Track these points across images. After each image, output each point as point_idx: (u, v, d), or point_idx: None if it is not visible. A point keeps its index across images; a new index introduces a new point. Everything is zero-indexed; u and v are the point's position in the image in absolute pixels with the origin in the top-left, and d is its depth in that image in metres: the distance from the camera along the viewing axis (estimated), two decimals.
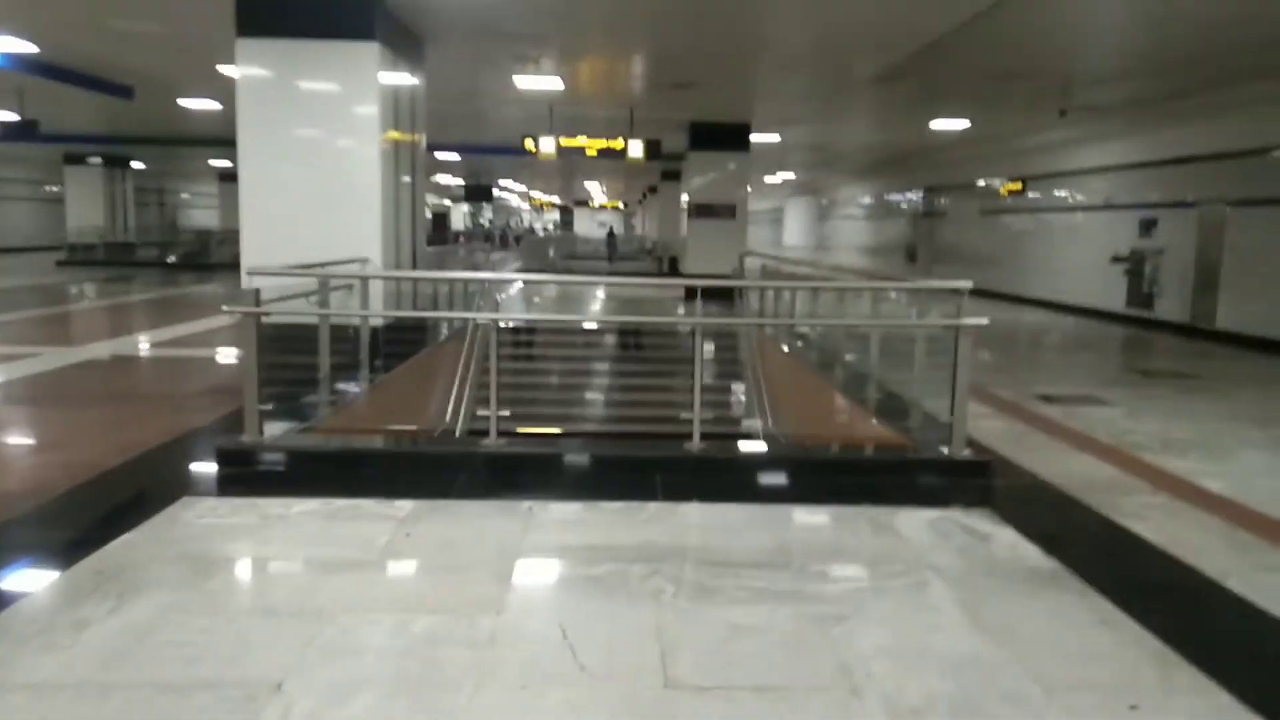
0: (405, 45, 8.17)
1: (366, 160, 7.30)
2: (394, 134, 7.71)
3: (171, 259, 26.92)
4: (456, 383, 8.59)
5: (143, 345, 10.07)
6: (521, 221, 62.91)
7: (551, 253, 31.58)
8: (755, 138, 16.76)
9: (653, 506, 4.48)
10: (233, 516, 4.22)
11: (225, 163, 30.10)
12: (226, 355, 9.21)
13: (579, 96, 13.00)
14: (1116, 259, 14.77)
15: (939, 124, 16.11)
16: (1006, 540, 4.08)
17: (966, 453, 5.09)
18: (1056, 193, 17.20)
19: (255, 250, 7.19)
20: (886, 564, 3.76)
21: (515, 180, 40.83)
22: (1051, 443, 6.17)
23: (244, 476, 4.87)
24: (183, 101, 15.57)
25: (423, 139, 8.91)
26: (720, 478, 5.03)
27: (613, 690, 2.70)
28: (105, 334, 11.28)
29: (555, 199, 55.90)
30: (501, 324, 5.53)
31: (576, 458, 5.17)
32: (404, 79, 8.09)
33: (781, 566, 3.70)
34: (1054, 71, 11.15)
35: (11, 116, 14.04)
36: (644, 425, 8.19)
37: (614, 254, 33.17)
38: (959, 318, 5.07)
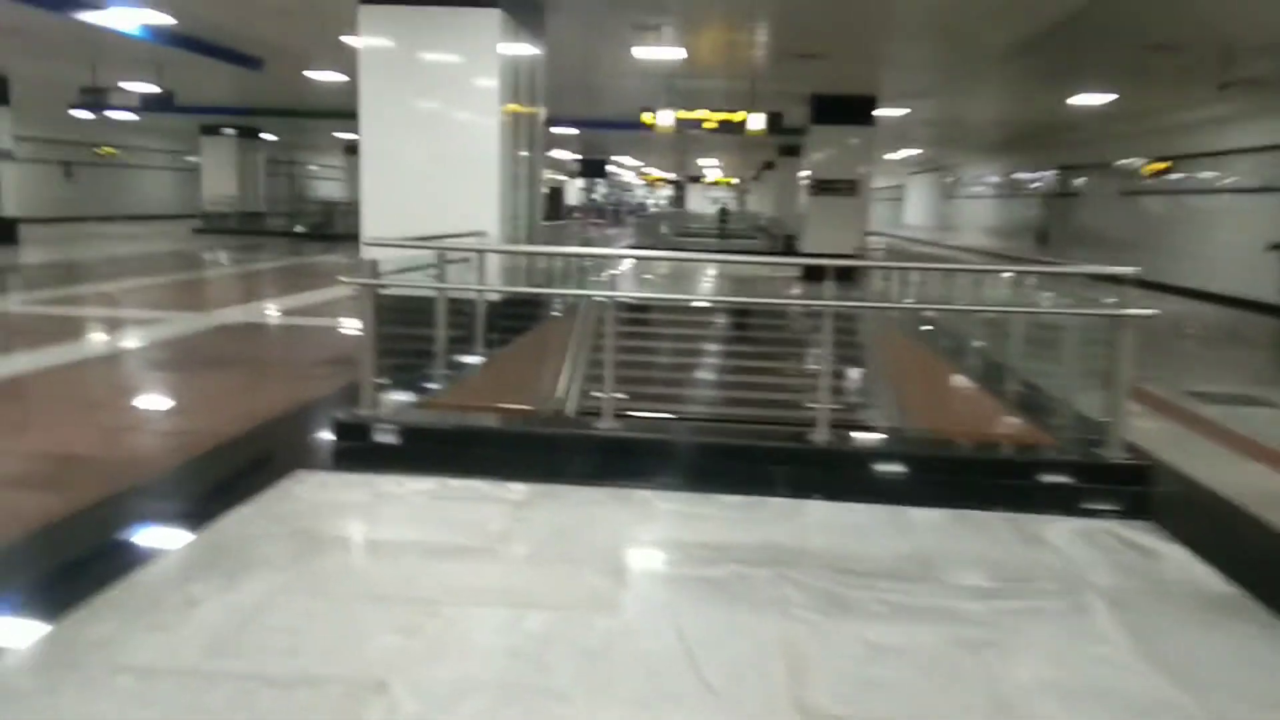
0: (526, 13, 8.00)
1: (486, 132, 7.18)
2: (513, 106, 7.57)
3: (299, 229, 27.78)
4: (568, 361, 8.46)
5: (268, 313, 10.29)
6: (633, 197, 62.81)
7: (664, 229, 31.33)
8: (880, 111, 16.09)
9: (774, 503, 4.20)
10: (346, 492, 4.15)
11: (350, 135, 30.94)
12: (347, 325, 9.31)
13: (698, 68, 12.66)
14: (1274, 246, 13.61)
15: (1079, 99, 15.14)
16: (1176, 559, 3.65)
17: (1123, 456, 4.62)
18: (1206, 173, 15.97)
19: (374, 221, 7.17)
20: (1039, 580, 3.39)
21: (629, 155, 40.71)
22: (1216, 448, 5.61)
23: (359, 451, 4.81)
24: (309, 73, 15.89)
25: (542, 112, 8.75)
26: (847, 473, 4.72)
27: (741, 716, 2.45)
28: (233, 301, 11.61)
29: (668, 175, 55.60)
30: (615, 302, 5.32)
31: (692, 445, 4.93)
32: (524, 49, 7.93)
33: (920, 578, 3.37)
34: (1213, 41, 10.24)
35: (151, 88, 14.53)
36: (757, 409, 7.89)
37: (726, 231, 32.69)
38: (1121, 307, 4.60)
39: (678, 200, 58.48)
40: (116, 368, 7.06)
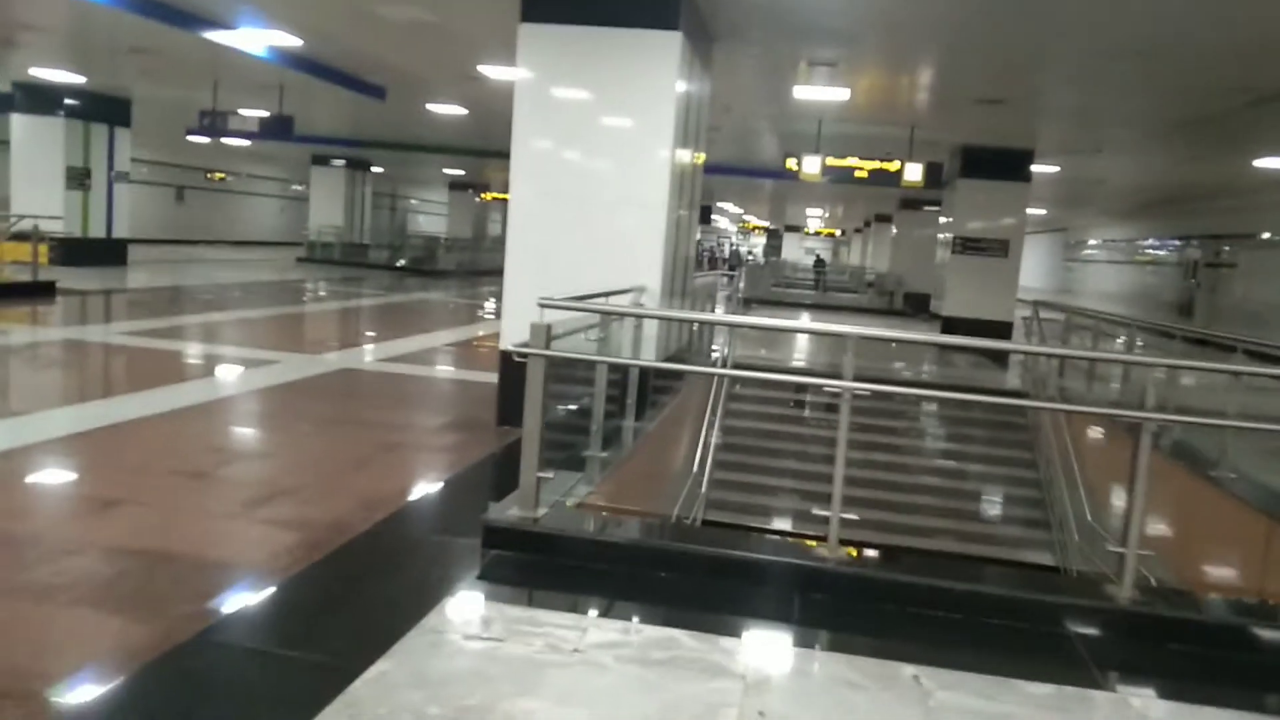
0: (701, 42, 7.04)
1: (654, 174, 6.19)
2: (682, 146, 6.58)
3: (400, 263, 27.46)
4: (700, 445, 7.36)
5: (379, 358, 9.45)
6: (731, 244, 61.76)
7: (768, 279, 30.20)
8: (1036, 167, 14.77)
9: (1099, 697, 3.00)
10: (511, 643, 3.08)
11: (457, 171, 30.72)
12: (466, 378, 8.39)
13: (855, 112, 11.59)
14: None
15: (1267, 161, 13.62)
16: None
17: None
18: None
19: (519, 270, 6.21)
20: None
21: (731, 202, 39.79)
22: None
23: (518, 566, 3.77)
24: (431, 106, 15.34)
25: (703, 155, 7.77)
26: (1171, 651, 3.47)
27: None
28: (342, 342, 10.84)
29: (764, 223, 54.47)
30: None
31: (950, 593, 3.72)
32: (697, 83, 6.95)
33: None
34: None
35: (269, 114, 14.09)
36: (982, 532, 6.63)
37: (822, 283, 31.43)
38: None
39: (773, 249, 57.21)
40: (216, 422, 6.20)
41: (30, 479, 4.57)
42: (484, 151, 23.21)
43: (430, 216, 43.34)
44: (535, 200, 6.23)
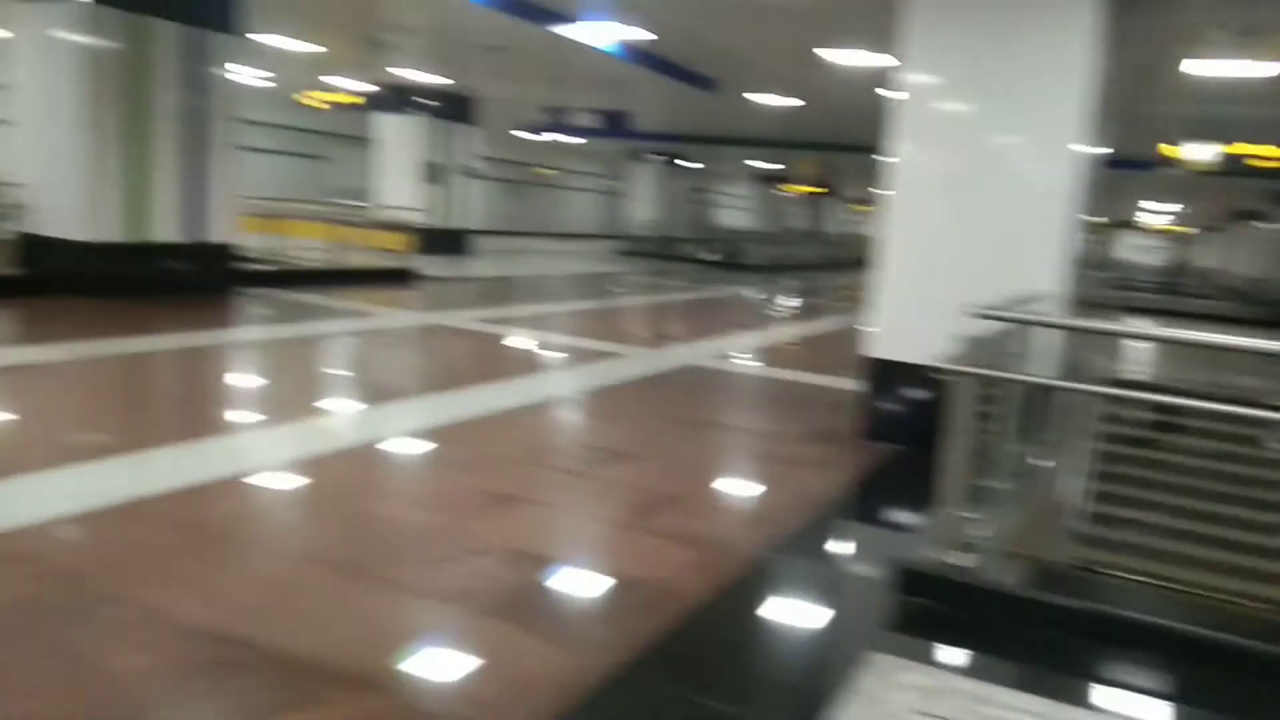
0: (1109, 7, 6.07)
1: (1057, 159, 5.38)
2: (1086, 133, 5.69)
3: (708, 257, 27.67)
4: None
5: (717, 355, 9.24)
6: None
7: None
8: None
9: None
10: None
11: (761, 164, 30.53)
12: (808, 380, 7.95)
13: (1259, 94, 9.86)
14: None
15: None
16: None
17: None
18: None
19: (896, 272, 5.63)
20: None
21: None
22: None
23: (943, 622, 3.23)
24: (754, 97, 15.09)
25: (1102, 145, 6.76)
26: None
27: None
28: (680, 336, 10.78)
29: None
30: None
31: None
32: (1102, 58, 5.99)
33: None
34: None
35: (604, 110, 14.43)
36: None
37: (1175, 287, 27.88)
38: None
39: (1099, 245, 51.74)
40: (582, 416, 6.18)
41: (418, 466, 4.67)
42: (803, 144, 22.75)
43: (731, 210, 43.62)
44: (915, 194, 5.61)
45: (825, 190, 36.92)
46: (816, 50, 10.44)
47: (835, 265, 29.98)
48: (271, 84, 17.61)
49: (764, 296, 16.94)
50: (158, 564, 3.14)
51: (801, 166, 30.92)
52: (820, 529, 4.26)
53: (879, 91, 7.72)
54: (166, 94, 9.19)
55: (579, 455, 5.02)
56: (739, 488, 4.72)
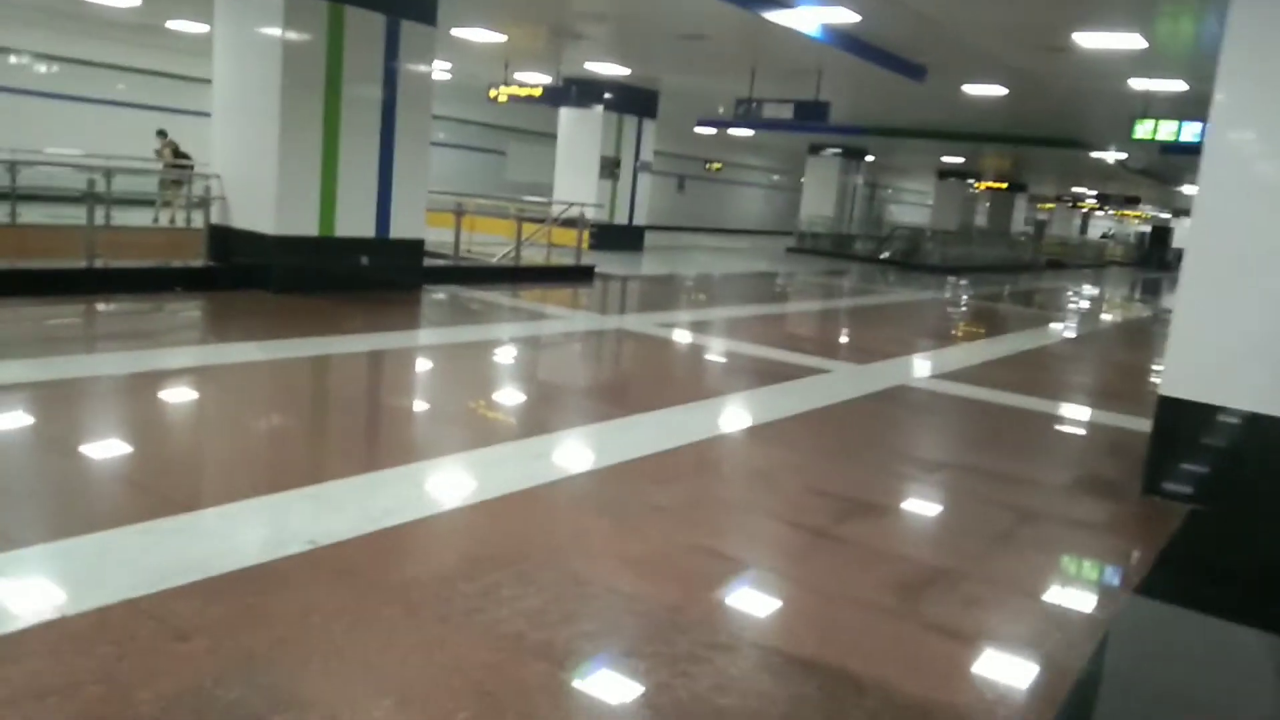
0: None
1: None
2: None
3: (884, 255, 26.27)
4: None
5: (928, 375, 8.26)
6: None
7: None
8: None
9: None
10: None
11: (945, 158, 28.73)
12: (1054, 411, 6.88)
13: None
14: None
15: None
16: None
17: None
18: None
19: (1204, 292, 4.56)
20: None
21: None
22: None
23: None
24: (969, 87, 13.83)
25: None
26: None
27: None
28: (881, 350, 9.83)
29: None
30: None
31: None
32: None
33: None
34: None
35: (801, 100, 13.53)
36: None
37: None
38: None
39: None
40: (801, 450, 5.40)
41: (624, 510, 4.01)
42: (994, 136, 21.12)
43: (906, 206, 41.65)
44: (1242, 204, 4.51)
45: (1012, 186, 34.61)
46: (1063, 31, 9.24)
47: (1021, 267, 27.93)
48: (448, 76, 17.61)
49: (955, 302, 15.63)
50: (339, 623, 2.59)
51: (989, 160, 28.95)
52: (1139, 627, 3.33)
53: (1126, 79, 6.55)
54: (360, 87, 8.99)
55: (810, 505, 4.24)
56: (1014, 560, 3.83)
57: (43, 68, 16.71)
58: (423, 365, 6.88)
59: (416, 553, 3.29)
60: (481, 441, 4.70)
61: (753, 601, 3.15)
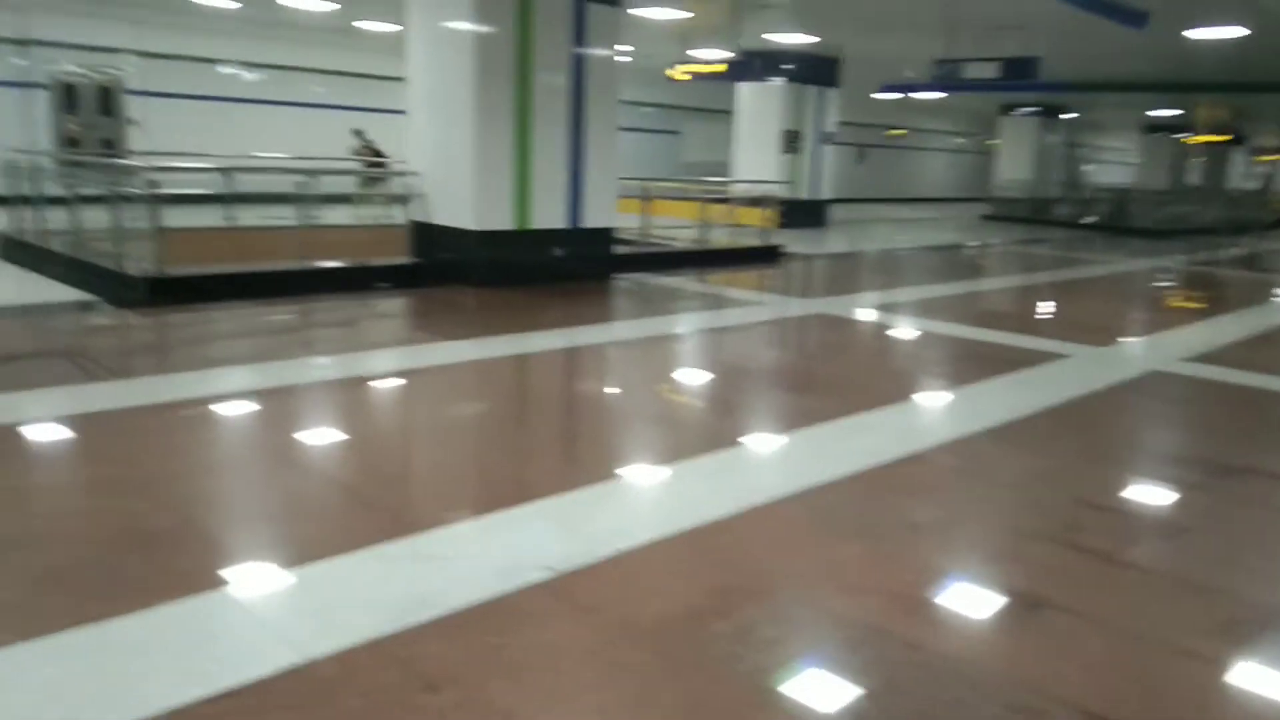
0: None
1: None
2: None
3: (1087, 220, 24.30)
4: None
5: (1180, 357, 7.35)
6: None
7: None
8: None
9: None
10: None
11: (1163, 112, 26.28)
12: None
13: None
14: None
15: None
16: None
17: None
18: None
19: None
20: None
21: None
22: None
23: None
24: (1196, 32, 12.40)
25: None
26: None
27: None
28: (1118, 328, 8.89)
29: None
30: None
31: None
32: None
33: None
34: None
35: (1007, 57, 12.52)
36: None
37: None
38: None
39: None
40: (1048, 455, 4.80)
41: (878, 532, 3.58)
42: (1210, 85, 19.06)
43: (1104, 165, 38.54)
44: None
45: (1232, 138, 31.31)
46: None
47: (1242, 228, 25.24)
48: (627, 59, 17.41)
49: (1177, 269, 14.11)
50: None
51: (1204, 111, 26.28)
52: None
53: None
54: (549, 74, 8.86)
55: (1088, 522, 3.68)
56: None
57: (248, 75, 17.70)
58: (624, 361, 6.66)
59: (656, 583, 3.00)
60: (701, 448, 4.39)
61: (1055, 649, 2.67)
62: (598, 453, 4.52)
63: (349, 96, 18.37)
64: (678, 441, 4.63)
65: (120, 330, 6.80)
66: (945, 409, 5.37)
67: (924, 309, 9.01)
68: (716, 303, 9.35)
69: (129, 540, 3.10)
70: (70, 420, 4.46)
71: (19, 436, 4.21)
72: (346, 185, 13.81)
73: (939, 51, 13.29)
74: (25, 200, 9.34)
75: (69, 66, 15.41)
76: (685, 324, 8.11)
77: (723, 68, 15.83)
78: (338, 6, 14.06)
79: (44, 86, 15.23)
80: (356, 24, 15.94)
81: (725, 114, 18.93)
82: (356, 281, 8.51)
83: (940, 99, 23.11)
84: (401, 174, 9.39)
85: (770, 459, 4.37)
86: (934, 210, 27.25)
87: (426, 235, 9.04)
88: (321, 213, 8.74)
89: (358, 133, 15.58)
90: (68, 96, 15.46)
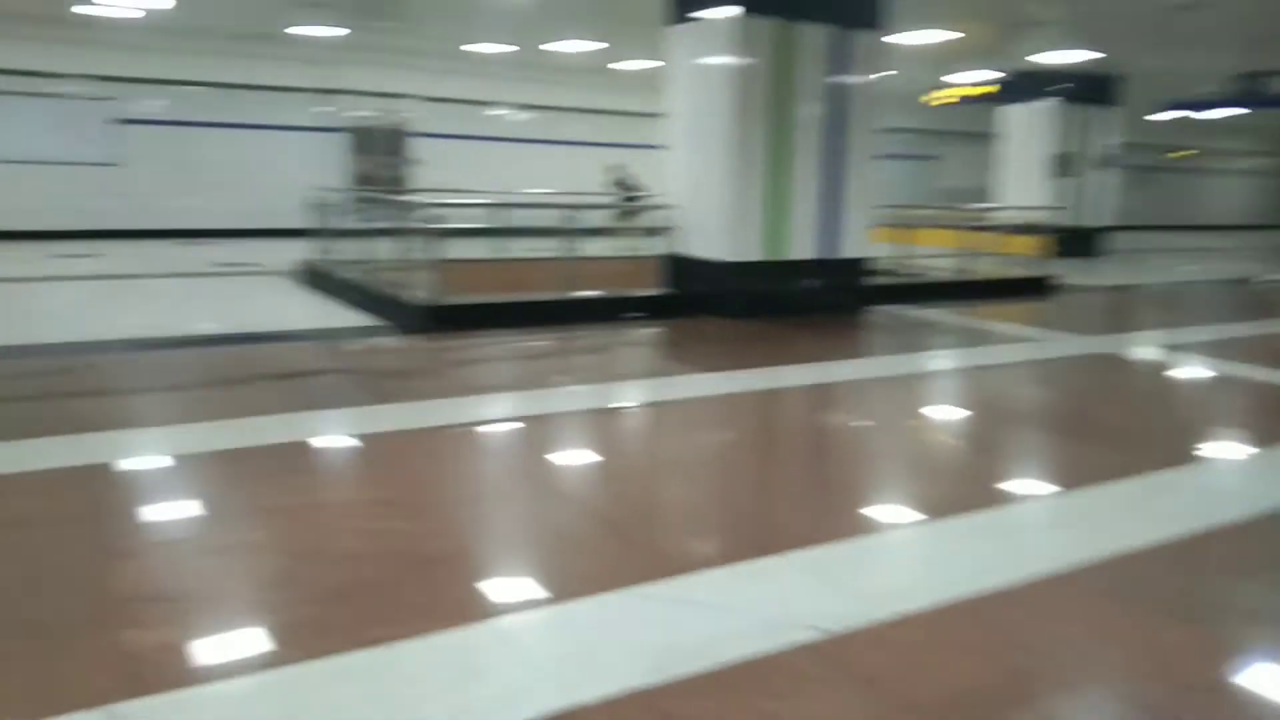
0: None
1: None
2: None
3: None
4: None
5: None
6: None
7: None
8: None
9: None
10: None
11: None
12: None
13: None
14: None
15: None
16: None
17: None
18: None
19: None
20: None
21: None
22: None
23: None
24: None
25: None
26: None
27: None
28: None
29: None
30: None
31: None
32: None
33: None
34: None
35: None
36: None
37: None
38: None
39: None
40: None
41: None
42: None
43: None
44: None
45: None
46: None
47: None
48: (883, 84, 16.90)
49: None
50: None
51: None
52: None
53: None
54: (807, 104, 8.71)
55: None
56: None
57: (516, 116, 18.85)
58: (881, 399, 6.31)
59: (940, 656, 2.70)
60: (975, 502, 4.01)
61: None
62: (858, 500, 4.25)
63: (606, 133, 19.11)
64: (946, 492, 4.27)
65: (402, 355, 7.29)
66: (1260, 469, 4.65)
67: (1218, 350, 7.98)
68: (979, 338, 8.76)
69: (407, 563, 3.21)
70: (355, 440, 4.77)
71: (312, 453, 4.55)
72: (604, 219, 14.28)
73: (1235, 65, 11.88)
74: (325, 233, 10.32)
75: (364, 112, 17.06)
76: (946, 360, 7.63)
77: (991, 89, 15.01)
78: (605, 45, 14.64)
79: (343, 130, 16.95)
80: (613, 65, 16.56)
81: (984, 137, 17.96)
82: (611, 311, 8.69)
83: (1233, 118, 20.75)
84: (659, 207, 9.53)
85: (1056, 519, 3.93)
86: (1226, 238, 24.45)
87: (679, 267, 9.12)
88: (580, 245, 9.03)
89: (614, 167, 16.13)
90: (362, 139, 17.12)
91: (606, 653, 2.62)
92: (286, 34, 14.24)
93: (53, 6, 12.52)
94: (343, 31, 14.13)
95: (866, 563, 3.35)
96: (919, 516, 3.84)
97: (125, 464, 4.27)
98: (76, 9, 12.56)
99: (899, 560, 3.43)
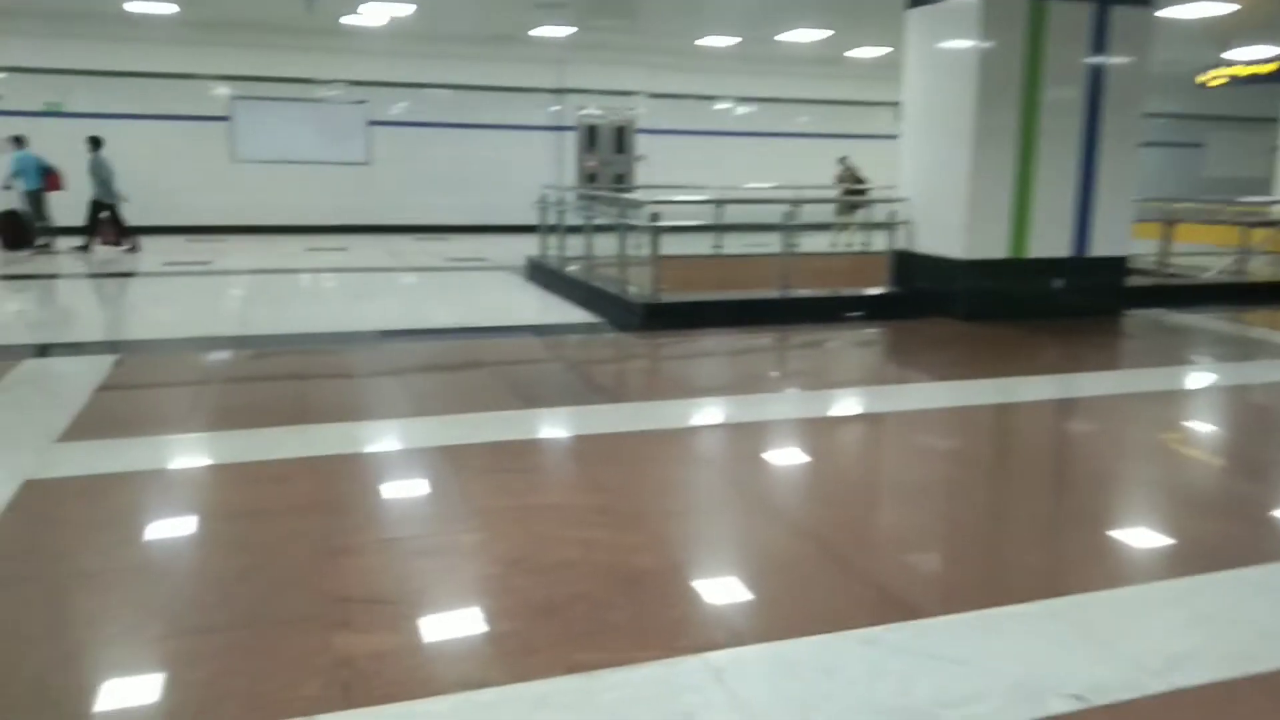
0: None
1: None
2: None
3: None
4: None
5: None
6: None
7: None
8: None
9: None
10: None
11: None
12: None
13: None
14: None
15: None
16: None
17: None
18: None
19: None
20: None
21: None
22: None
23: None
24: None
25: None
26: None
27: None
28: None
29: None
30: None
31: None
32: None
33: None
34: None
35: None
36: None
37: None
38: None
39: None
40: None
41: None
42: None
43: None
44: None
45: None
46: None
47: None
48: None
49: None
50: None
51: None
52: None
53: None
54: (1060, 89, 7.94)
55: None
56: None
57: (741, 109, 18.64)
58: (1140, 420, 5.58)
59: None
60: (1275, 549, 3.40)
61: None
62: (1115, 539, 3.70)
63: (833, 124, 18.54)
64: (1229, 535, 3.65)
65: (618, 354, 7.27)
66: None
67: None
68: (1256, 350, 7.69)
69: (616, 579, 3.08)
70: (571, 440, 4.73)
71: (529, 452, 4.55)
72: (827, 213, 13.80)
73: None
74: (551, 229, 10.55)
75: (592, 110, 17.41)
76: (1216, 375, 6.72)
77: (1270, 67, 13.29)
78: (831, 33, 14.17)
79: (572, 128, 17.38)
80: (846, 54, 15.98)
81: (1261, 122, 15.91)
82: (832, 310, 8.31)
83: None
84: (888, 200, 9.03)
85: None
86: None
87: (906, 264, 8.59)
88: (801, 240, 8.69)
89: (841, 159, 15.60)
90: (590, 137, 17.49)
91: (829, 705, 2.36)
92: (524, 36, 14.74)
93: (323, 20, 13.58)
94: (572, 30, 14.45)
95: (1130, 618, 2.89)
96: (1194, 564, 3.30)
97: (354, 456, 4.43)
98: (344, 20, 13.56)
99: (1172, 618, 2.93)
